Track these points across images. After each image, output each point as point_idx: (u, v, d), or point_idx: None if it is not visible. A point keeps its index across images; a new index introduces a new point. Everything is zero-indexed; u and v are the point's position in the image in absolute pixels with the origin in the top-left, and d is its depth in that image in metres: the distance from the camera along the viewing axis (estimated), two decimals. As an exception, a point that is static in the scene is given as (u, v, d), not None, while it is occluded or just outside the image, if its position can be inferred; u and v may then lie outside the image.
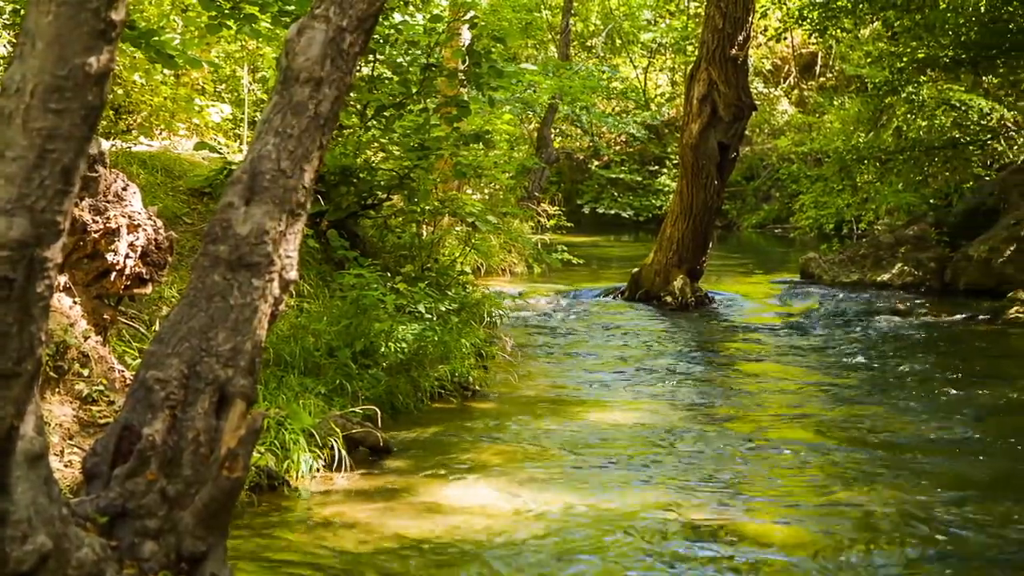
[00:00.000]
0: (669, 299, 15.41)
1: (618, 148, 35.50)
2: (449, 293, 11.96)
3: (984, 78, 19.21)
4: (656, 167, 34.18)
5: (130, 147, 12.24)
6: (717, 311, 15.55)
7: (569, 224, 25.17)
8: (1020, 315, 13.79)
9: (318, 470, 7.01)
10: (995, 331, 13.39)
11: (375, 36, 10.85)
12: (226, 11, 10.52)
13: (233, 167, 10.90)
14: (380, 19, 6.94)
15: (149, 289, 6.64)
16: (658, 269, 15.96)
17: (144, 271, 6.42)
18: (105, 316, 6.49)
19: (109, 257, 6.13)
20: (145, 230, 6.32)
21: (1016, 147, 19.92)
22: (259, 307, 3.68)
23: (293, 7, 10.25)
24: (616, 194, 33.11)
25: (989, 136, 19.74)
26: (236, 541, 5.49)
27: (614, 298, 16.50)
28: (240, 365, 3.61)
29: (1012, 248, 16.56)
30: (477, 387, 9.82)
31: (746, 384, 10.58)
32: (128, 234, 6.19)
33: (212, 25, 10.69)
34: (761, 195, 33.92)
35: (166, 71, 14.05)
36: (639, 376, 10.72)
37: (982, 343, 12.66)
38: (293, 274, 3.80)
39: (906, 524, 6.24)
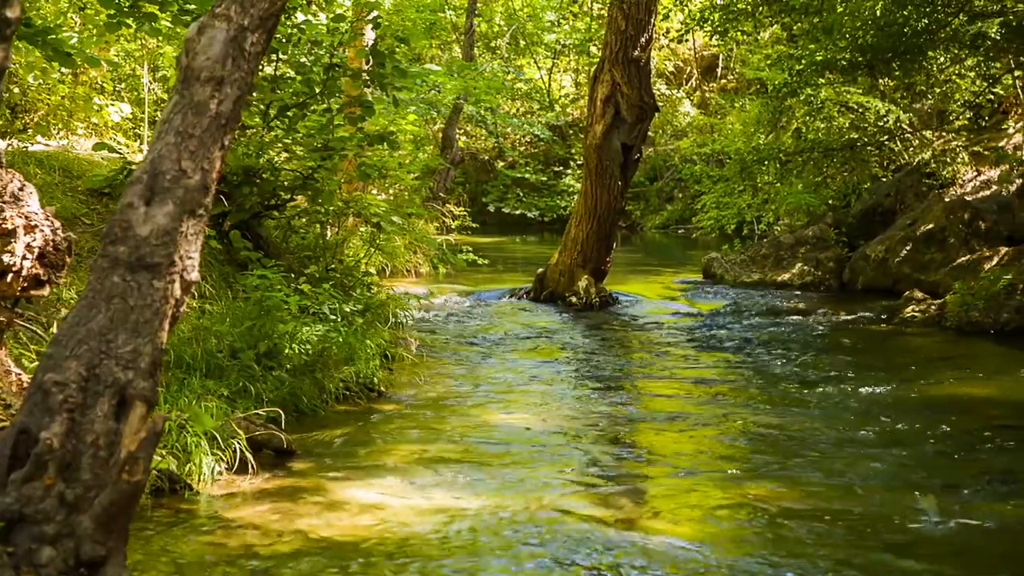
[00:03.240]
0: (574, 299, 15.51)
1: (523, 149, 35.66)
2: (354, 294, 11.91)
3: (880, 80, 19.60)
4: (561, 168, 34.38)
5: (27, 146, 12.00)
6: (621, 311, 15.67)
7: (474, 225, 25.25)
8: (915, 314, 14.07)
9: (221, 473, 6.94)
10: (891, 330, 13.66)
11: (277, 35, 10.77)
12: (125, 9, 10.37)
13: (133, 167, 10.73)
14: (283, 18, 6.90)
15: (47, 291, 6.51)
16: (563, 269, 16.05)
17: (42, 272, 6.30)
18: (1, 319, 6.36)
19: (5, 258, 6.01)
20: (43, 231, 6.21)
21: (912, 148, 20.37)
22: (160, 309, 3.65)
23: (193, 6, 10.13)
24: (521, 194, 33.23)
25: (886, 137, 20.16)
26: (136, 545, 5.42)
27: (519, 298, 16.54)
28: (140, 367, 3.58)
29: (908, 248, 16.94)
30: (382, 388, 9.79)
31: (648, 384, 10.69)
32: (25, 235, 6.07)
33: (111, 23, 10.53)
34: (664, 196, 34.30)
35: (64, 70, 13.80)
36: (542, 376, 10.77)
37: (878, 342, 12.91)
38: (194, 275, 3.77)
39: (796, 520, 6.35)
